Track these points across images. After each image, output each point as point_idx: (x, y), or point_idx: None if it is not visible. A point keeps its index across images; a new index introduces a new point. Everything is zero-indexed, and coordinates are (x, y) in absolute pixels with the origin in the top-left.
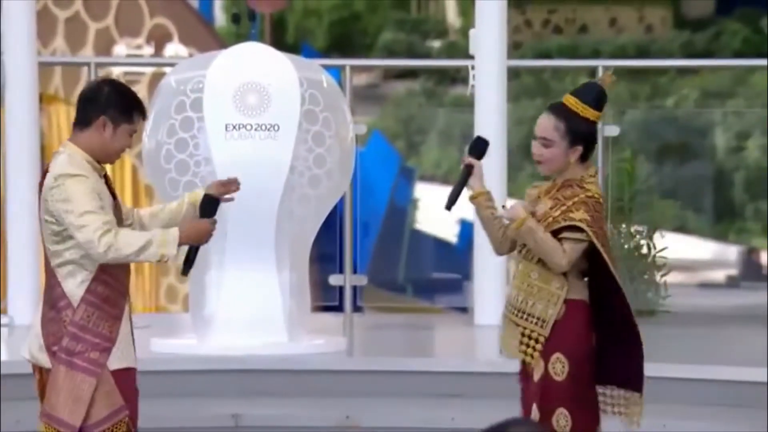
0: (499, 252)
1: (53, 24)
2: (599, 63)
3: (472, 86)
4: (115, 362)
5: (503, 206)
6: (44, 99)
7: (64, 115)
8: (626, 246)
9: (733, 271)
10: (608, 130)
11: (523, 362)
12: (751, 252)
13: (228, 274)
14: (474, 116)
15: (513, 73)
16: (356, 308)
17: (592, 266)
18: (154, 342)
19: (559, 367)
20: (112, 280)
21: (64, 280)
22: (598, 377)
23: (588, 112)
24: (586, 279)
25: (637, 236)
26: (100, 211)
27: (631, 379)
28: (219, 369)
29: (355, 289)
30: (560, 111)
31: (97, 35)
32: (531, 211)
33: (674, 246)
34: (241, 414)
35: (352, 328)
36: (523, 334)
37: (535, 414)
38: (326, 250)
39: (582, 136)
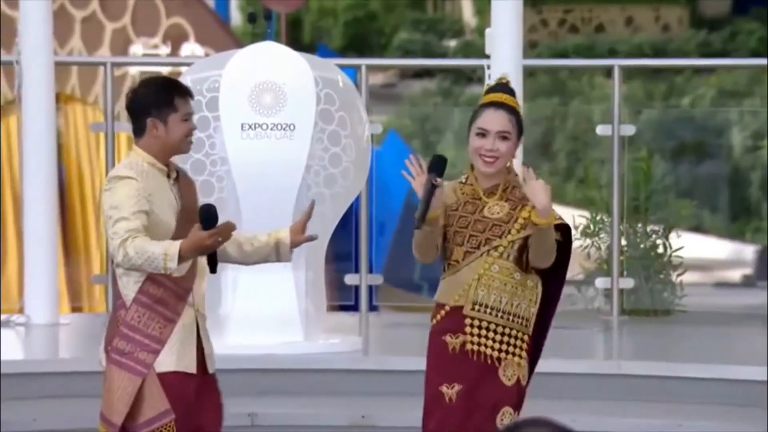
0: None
1: (70, 24)
2: (615, 62)
3: (488, 85)
4: (164, 365)
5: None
6: (61, 98)
7: (81, 114)
8: (642, 245)
9: (749, 271)
10: (624, 129)
11: (485, 361)
12: None
13: (244, 274)
14: None
15: (529, 73)
16: (372, 307)
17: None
18: None
19: (526, 371)
20: (168, 282)
21: (120, 279)
22: None
23: (519, 110)
24: None
25: (653, 236)
26: (132, 217)
27: (538, 353)
28: (235, 368)
29: (370, 288)
30: (507, 106)
31: (113, 35)
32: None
33: (690, 245)
34: (257, 413)
35: (368, 328)
36: (509, 335)
37: (509, 416)
38: (342, 250)
39: (522, 131)
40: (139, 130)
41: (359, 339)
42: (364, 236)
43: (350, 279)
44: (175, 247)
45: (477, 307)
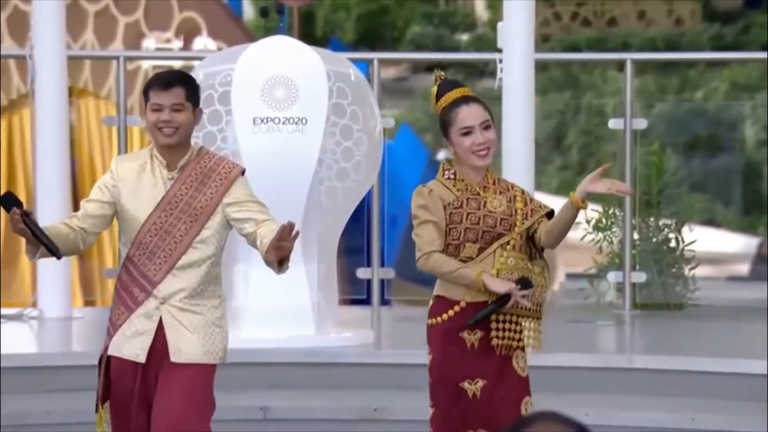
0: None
1: (83, 18)
2: (628, 56)
3: (500, 79)
4: (110, 349)
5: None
6: (74, 92)
7: (94, 108)
8: (654, 239)
9: (762, 265)
10: (636, 123)
11: (507, 355)
12: None
13: (256, 267)
14: (502, 109)
15: (541, 66)
16: (384, 301)
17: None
18: None
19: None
20: (133, 270)
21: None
22: None
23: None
24: None
25: (666, 229)
26: (83, 202)
27: None
28: (247, 362)
29: (382, 282)
30: (473, 98)
31: (126, 29)
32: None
33: (703, 239)
34: (269, 406)
35: (380, 321)
36: (519, 324)
37: (531, 405)
38: (354, 244)
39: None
40: None
41: (371, 333)
42: (376, 230)
43: (362, 273)
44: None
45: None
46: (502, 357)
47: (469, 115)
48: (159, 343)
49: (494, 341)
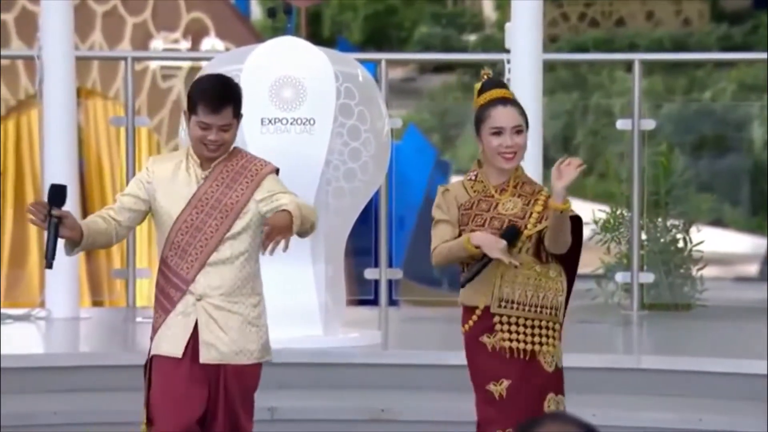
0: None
1: (91, 18)
2: (635, 56)
3: (508, 80)
4: (151, 350)
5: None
6: (82, 93)
7: (101, 109)
8: (662, 240)
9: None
10: (644, 123)
11: (526, 355)
12: None
13: (263, 267)
14: None
15: (549, 67)
16: (391, 302)
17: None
18: None
19: (560, 354)
20: (167, 272)
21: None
22: None
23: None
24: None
25: (673, 230)
26: (118, 196)
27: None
28: None
29: (390, 282)
30: (512, 101)
31: (134, 29)
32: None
33: (710, 240)
34: (277, 407)
35: (388, 322)
36: (539, 327)
37: (554, 403)
38: (361, 244)
39: (528, 123)
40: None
41: (378, 333)
42: (383, 231)
43: (370, 273)
44: None
45: (503, 304)
46: (523, 358)
47: (503, 116)
48: (197, 341)
49: (501, 343)
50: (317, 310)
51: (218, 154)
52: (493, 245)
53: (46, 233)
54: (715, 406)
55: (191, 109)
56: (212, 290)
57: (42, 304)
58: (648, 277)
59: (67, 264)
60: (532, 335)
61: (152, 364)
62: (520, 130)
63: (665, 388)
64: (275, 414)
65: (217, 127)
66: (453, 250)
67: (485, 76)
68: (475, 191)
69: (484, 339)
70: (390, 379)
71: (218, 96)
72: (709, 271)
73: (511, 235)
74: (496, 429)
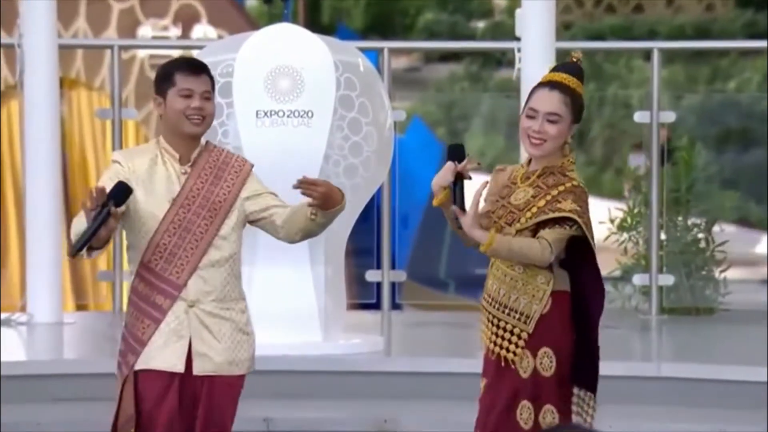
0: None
1: (74, 4)
2: (655, 45)
3: (519, 70)
4: (139, 363)
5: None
6: (65, 83)
7: (86, 100)
8: (683, 239)
9: None
10: (664, 116)
11: (499, 357)
12: None
13: (259, 270)
14: (520, 101)
15: (562, 56)
16: (395, 306)
17: (575, 257)
18: None
19: (547, 362)
20: (151, 277)
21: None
22: None
23: (582, 90)
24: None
25: (695, 229)
26: None
27: (587, 377)
28: None
29: (393, 285)
30: (563, 87)
31: (120, 16)
32: (491, 204)
33: (734, 239)
34: (272, 418)
35: (391, 327)
36: (504, 329)
37: (529, 410)
38: (363, 244)
39: (580, 113)
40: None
41: (381, 339)
42: (386, 230)
43: (372, 275)
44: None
45: (486, 297)
46: (495, 357)
47: (542, 99)
48: (191, 351)
49: (488, 343)
50: (316, 315)
51: (201, 129)
52: (439, 177)
53: (80, 223)
54: (740, 417)
55: (167, 85)
56: (204, 296)
57: (23, 308)
58: (668, 280)
59: (49, 266)
60: (496, 335)
61: (138, 376)
62: (554, 119)
63: (686, 397)
64: (271, 425)
65: (199, 93)
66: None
67: (574, 59)
68: (512, 177)
69: (481, 335)
70: (393, 387)
71: (195, 62)
72: (732, 273)
73: (452, 152)
74: (476, 427)
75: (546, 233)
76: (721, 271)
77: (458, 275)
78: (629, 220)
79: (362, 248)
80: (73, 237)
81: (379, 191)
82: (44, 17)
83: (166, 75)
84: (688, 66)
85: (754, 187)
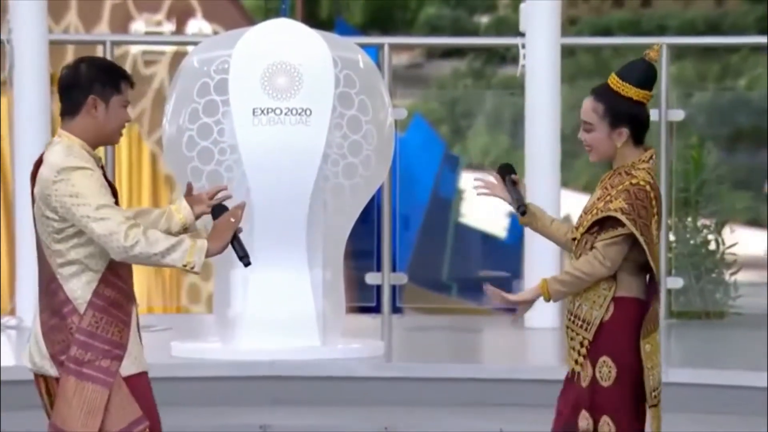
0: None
1: None
2: (664, 40)
3: (523, 66)
4: (127, 368)
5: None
6: (56, 80)
7: None
8: (692, 241)
9: None
10: (672, 114)
11: (572, 370)
12: None
13: (255, 272)
14: (525, 99)
15: (568, 52)
16: (395, 309)
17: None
18: (174, 346)
19: (606, 371)
20: (119, 282)
21: (66, 282)
22: None
23: (629, 91)
24: (642, 273)
25: (705, 230)
26: (115, 206)
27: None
28: (245, 375)
29: (394, 288)
30: (601, 92)
31: (113, 10)
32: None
33: (745, 241)
34: (270, 424)
35: (391, 331)
36: (572, 338)
37: (587, 420)
38: (363, 246)
39: (623, 116)
40: (73, 110)
41: (381, 344)
42: (387, 231)
43: (372, 278)
44: (198, 243)
45: (568, 314)
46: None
47: (582, 109)
48: None
49: (567, 358)
50: (314, 319)
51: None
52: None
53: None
54: (750, 423)
55: (112, 89)
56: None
57: (12, 312)
58: (676, 282)
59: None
60: (570, 347)
61: (129, 381)
62: (588, 128)
63: (696, 403)
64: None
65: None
66: None
67: (653, 54)
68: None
69: None
70: (394, 393)
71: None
72: (743, 276)
73: (503, 169)
74: None
75: (598, 240)
76: (732, 274)
77: (461, 278)
78: None
79: (362, 250)
80: (197, 257)
81: (380, 191)
82: (34, 12)
83: (112, 79)
84: (698, 62)
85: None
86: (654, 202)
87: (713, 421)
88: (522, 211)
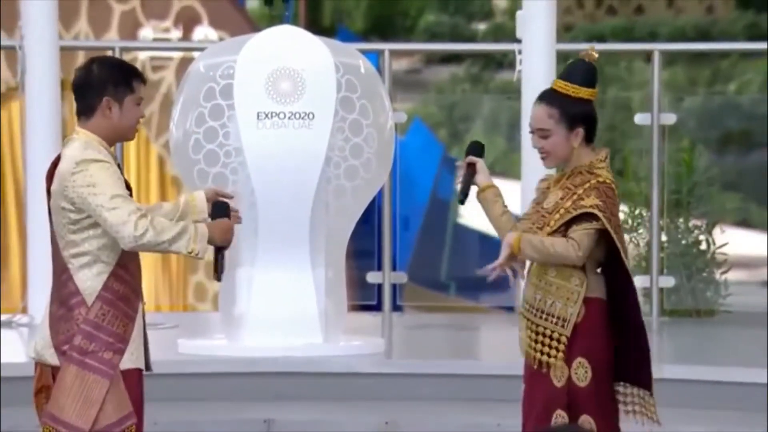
0: None
1: (76, 6)
2: (656, 46)
3: (519, 71)
4: (124, 362)
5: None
6: (66, 85)
7: None
8: (684, 242)
9: None
10: (665, 118)
11: (540, 363)
12: None
13: (260, 272)
14: (521, 103)
15: (563, 57)
16: (396, 307)
17: (607, 258)
18: (181, 343)
19: (582, 372)
20: (128, 277)
21: (77, 272)
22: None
23: (580, 92)
24: (599, 271)
25: (696, 231)
26: (128, 197)
27: (643, 377)
28: (250, 371)
29: (394, 287)
30: (551, 98)
31: (122, 18)
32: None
33: (735, 241)
34: (273, 419)
35: (392, 329)
36: (543, 335)
37: (563, 419)
38: (364, 246)
39: (579, 117)
40: (88, 110)
41: (382, 341)
42: (387, 232)
43: (373, 277)
44: (200, 229)
45: (525, 304)
46: (533, 365)
47: (532, 114)
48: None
49: (527, 348)
50: (317, 317)
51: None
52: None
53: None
54: (742, 419)
55: (125, 89)
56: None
57: (24, 310)
58: (668, 282)
59: (50, 266)
60: (536, 342)
61: (125, 374)
62: (544, 135)
63: (687, 399)
64: (272, 426)
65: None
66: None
67: (591, 54)
68: (549, 182)
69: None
70: (394, 389)
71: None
72: (733, 275)
73: (469, 148)
74: None
75: (572, 231)
76: (722, 273)
77: (459, 277)
78: (630, 221)
79: (363, 250)
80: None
81: (380, 193)
82: (45, 19)
83: (125, 78)
84: (689, 68)
85: (755, 189)
86: (617, 201)
87: (705, 416)
88: (460, 200)
